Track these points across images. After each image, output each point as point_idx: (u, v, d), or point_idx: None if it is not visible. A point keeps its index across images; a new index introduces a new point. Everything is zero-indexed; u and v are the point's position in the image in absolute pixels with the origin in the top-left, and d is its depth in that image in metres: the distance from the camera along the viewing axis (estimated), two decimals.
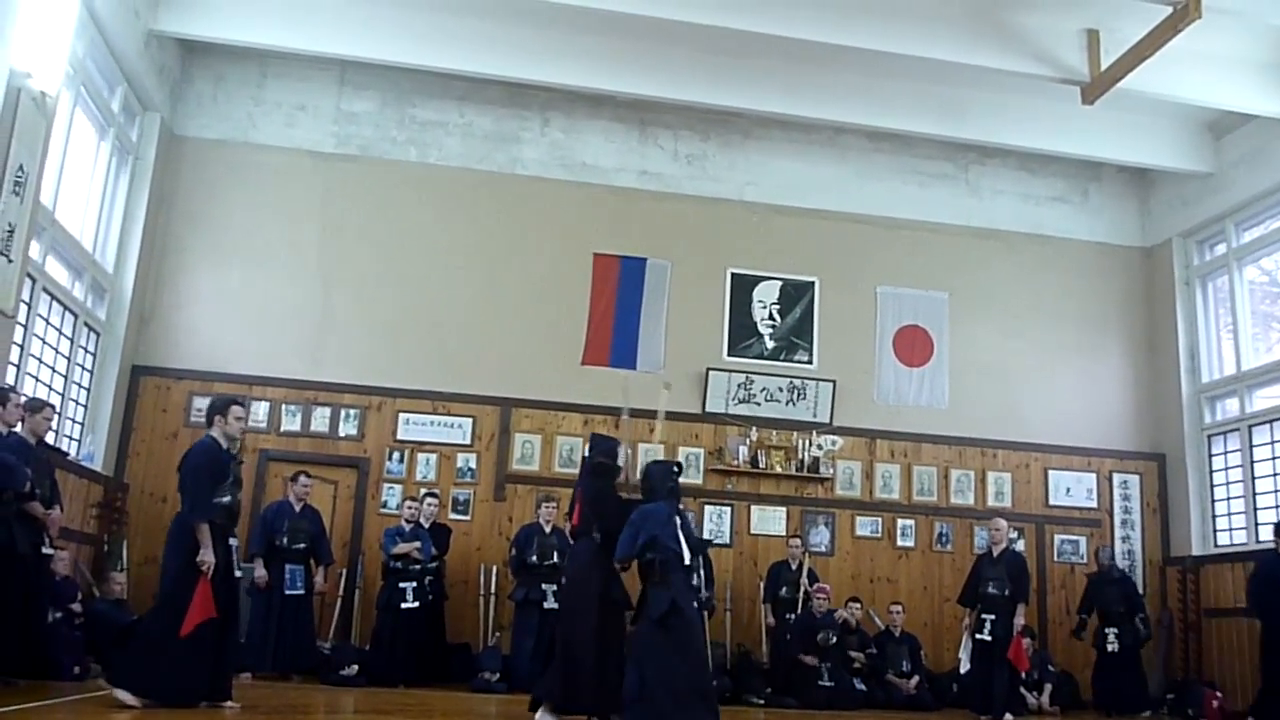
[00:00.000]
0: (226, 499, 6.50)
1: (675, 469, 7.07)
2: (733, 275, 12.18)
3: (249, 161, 11.53)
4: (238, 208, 11.41)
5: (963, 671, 9.74)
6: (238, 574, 6.82)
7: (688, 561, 6.55)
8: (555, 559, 9.82)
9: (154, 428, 10.81)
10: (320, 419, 11.14)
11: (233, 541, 6.61)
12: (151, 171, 10.93)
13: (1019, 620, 9.33)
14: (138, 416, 10.77)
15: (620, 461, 7.52)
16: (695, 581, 6.96)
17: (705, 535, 10.78)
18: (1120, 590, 10.74)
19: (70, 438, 9.92)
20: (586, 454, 7.62)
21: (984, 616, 9.47)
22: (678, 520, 6.68)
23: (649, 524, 6.62)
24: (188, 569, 6.24)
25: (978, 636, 9.46)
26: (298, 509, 9.77)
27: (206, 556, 6.23)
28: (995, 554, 9.71)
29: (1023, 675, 9.67)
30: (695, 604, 6.77)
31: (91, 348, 10.34)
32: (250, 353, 11.07)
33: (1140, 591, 11.34)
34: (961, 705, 10.63)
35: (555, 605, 9.64)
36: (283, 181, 11.56)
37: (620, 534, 6.71)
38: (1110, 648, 10.52)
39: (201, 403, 10.81)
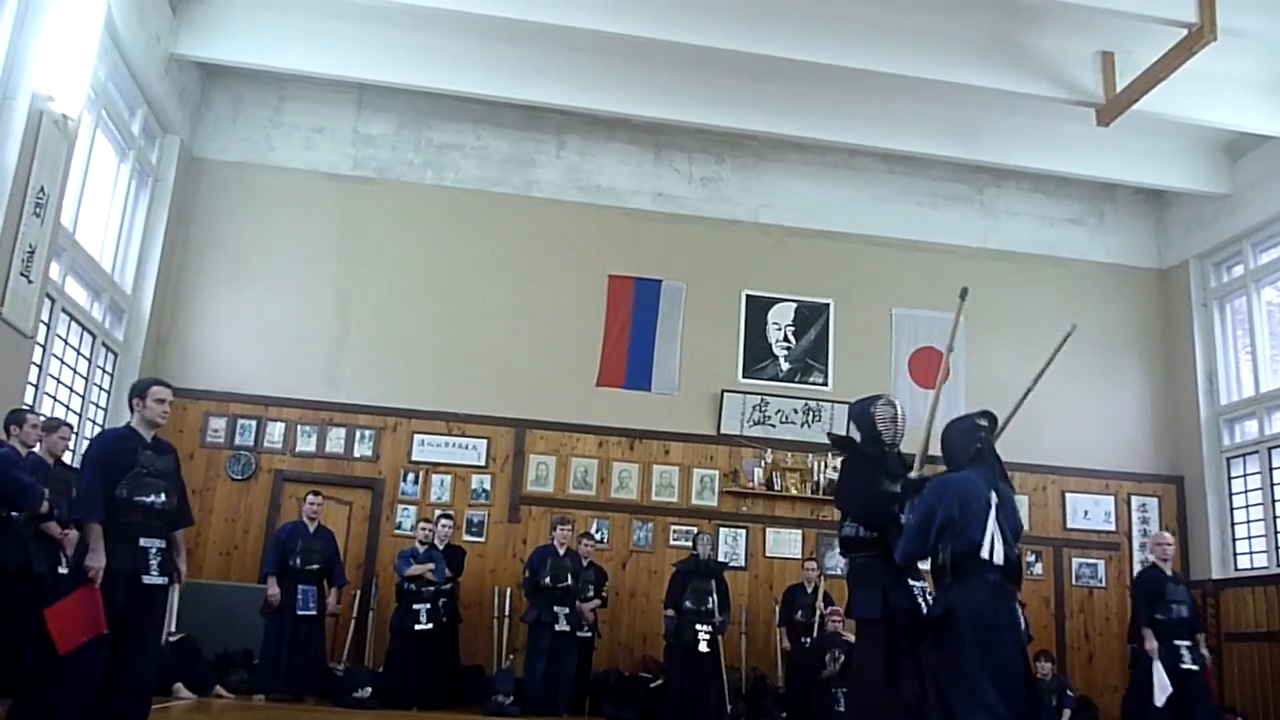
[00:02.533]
0: (148, 497, 5.61)
1: (983, 423, 5.09)
2: (747, 297, 12.18)
3: (267, 183, 11.62)
4: (255, 229, 11.48)
5: (1159, 704, 8.52)
6: (157, 580, 5.61)
7: (998, 559, 4.64)
8: (569, 581, 9.79)
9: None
10: (335, 440, 11.17)
11: (150, 543, 5.62)
12: (170, 193, 11.02)
13: (1203, 650, 8.57)
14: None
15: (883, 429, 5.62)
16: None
17: (720, 558, 10.73)
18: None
19: None
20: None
21: (1177, 643, 8.51)
22: (993, 497, 4.79)
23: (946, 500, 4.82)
24: (73, 575, 5.49)
25: (1183, 666, 8.43)
26: (311, 529, 9.76)
27: (94, 560, 5.32)
28: (1169, 571, 8.85)
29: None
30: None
31: (109, 368, 10.40)
32: (266, 373, 11.12)
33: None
34: None
35: (567, 628, 9.62)
36: (300, 203, 11.64)
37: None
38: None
39: (218, 423, 10.92)
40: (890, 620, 5.20)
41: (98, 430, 10.05)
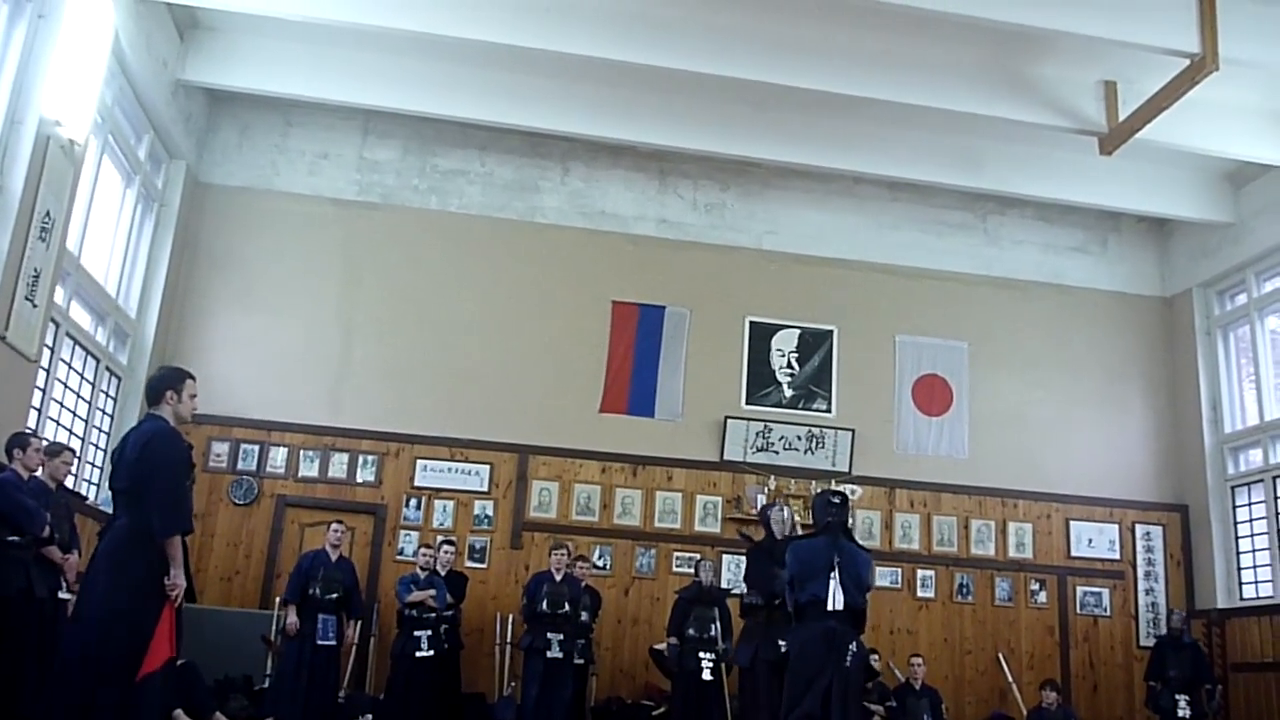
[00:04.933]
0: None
1: (835, 500, 6.13)
2: (751, 323, 12.18)
3: (272, 209, 11.66)
4: (260, 254, 11.51)
5: None
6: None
7: (838, 606, 5.69)
8: (566, 608, 9.73)
9: None
10: (338, 465, 11.15)
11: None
12: (176, 218, 11.06)
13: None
14: None
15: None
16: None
17: (723, 585, 10.67)
18: (1190, 656, 10.51)
19: (90, 482, 9.95)
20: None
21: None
22: (835, 557, 5.82)
23: (791, 561, 6.02)
24: (150, 594, 4.86)
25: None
26: (333, 558, 9.70)
27: (179, 579, 4.91)
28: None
29: None
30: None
31: (113, 392, 10.41)
32: (269, 398, 11.12)
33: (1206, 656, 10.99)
34: None
35: (560, 654, 9.55)
36: (305, 228, 11.67)
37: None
38: (1182, 713, 10.18)
39: (221, 448, 10.92)
40: (754, 667, 7.43)
41: (99, 453, 10.05)
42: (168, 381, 5.26)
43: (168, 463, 5.01)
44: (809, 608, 5.69)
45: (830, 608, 5.61)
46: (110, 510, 5.45)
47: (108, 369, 10.20)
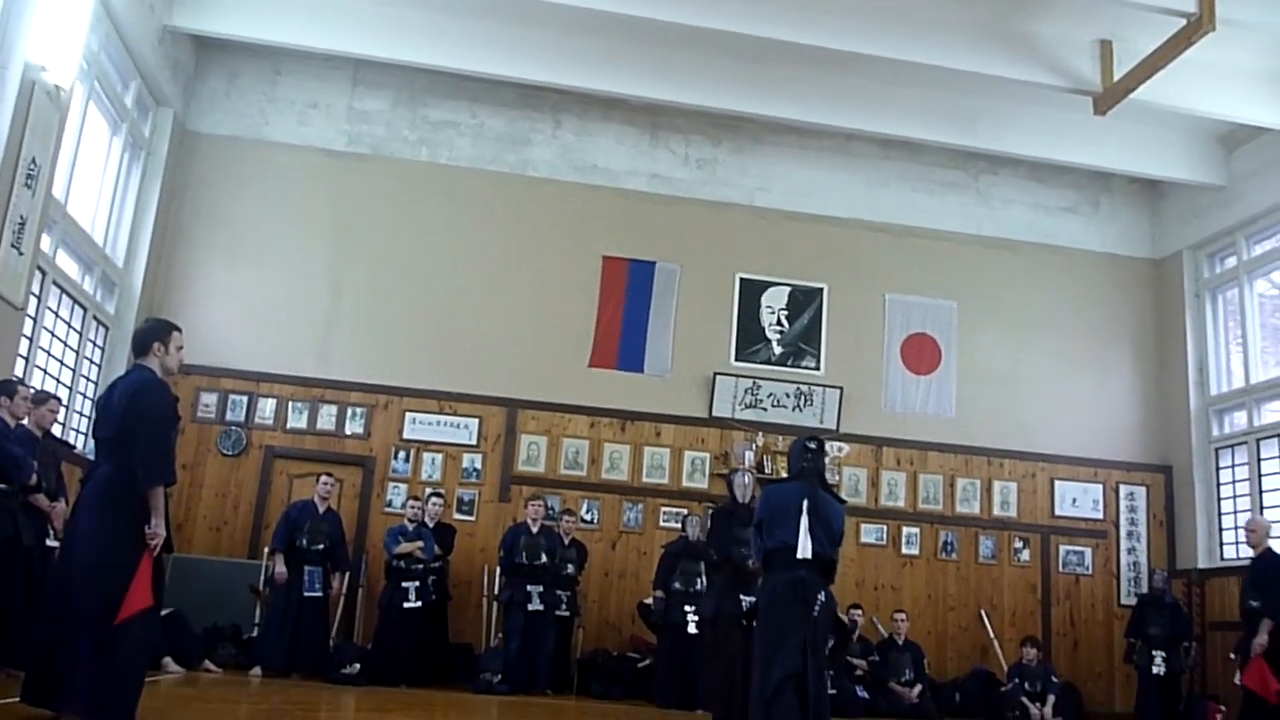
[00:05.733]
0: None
1: (811, 445, 5.99)
2: (741, 280, 12.17)
3: (261, 158, 11.57)
4: (249, 204, 11.44)
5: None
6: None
7: (806, 554, 5.59)
8: (542, 559, 9.79)
9: None
10: (327, 417, 11.16)
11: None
12: (164, 167, 10.97)
13: (1260, 638, 8.24)
14: None
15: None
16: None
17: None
18: (1170, 614, 10.65)
19: (78, 431, 9.94)
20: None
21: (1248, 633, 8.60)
22: (805, 504, 5.70)
23: (762, 506, 5.95)
24: (130, 542, 4.87)
25: (1231, 656, 8.63)
26: (321, 510, 9.77)
27: (160, 528, 4.96)
28: (1253, 557, 8.81)
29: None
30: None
31: (100, 341, 10.37)
32: (258, 349, 11.10)
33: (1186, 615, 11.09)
34: (966, 716, 10.65)
35: (541, 606, 9.65)
36: (294, 179, 11.59)
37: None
38: (1156, 670, 10.39)
39: (209, 398, 10.92)
40: (716, 620, 7.80)
41: (87, 401, 10.03)
42: (155, 333, 5.24)
43: (155, 414, 5.04)
44: (778, 554, 5.61)
45: (800, 555, 5.54)
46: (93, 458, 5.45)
47: (95, 318, 10.16)
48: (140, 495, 4.93)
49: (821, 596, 5.53)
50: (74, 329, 9.79)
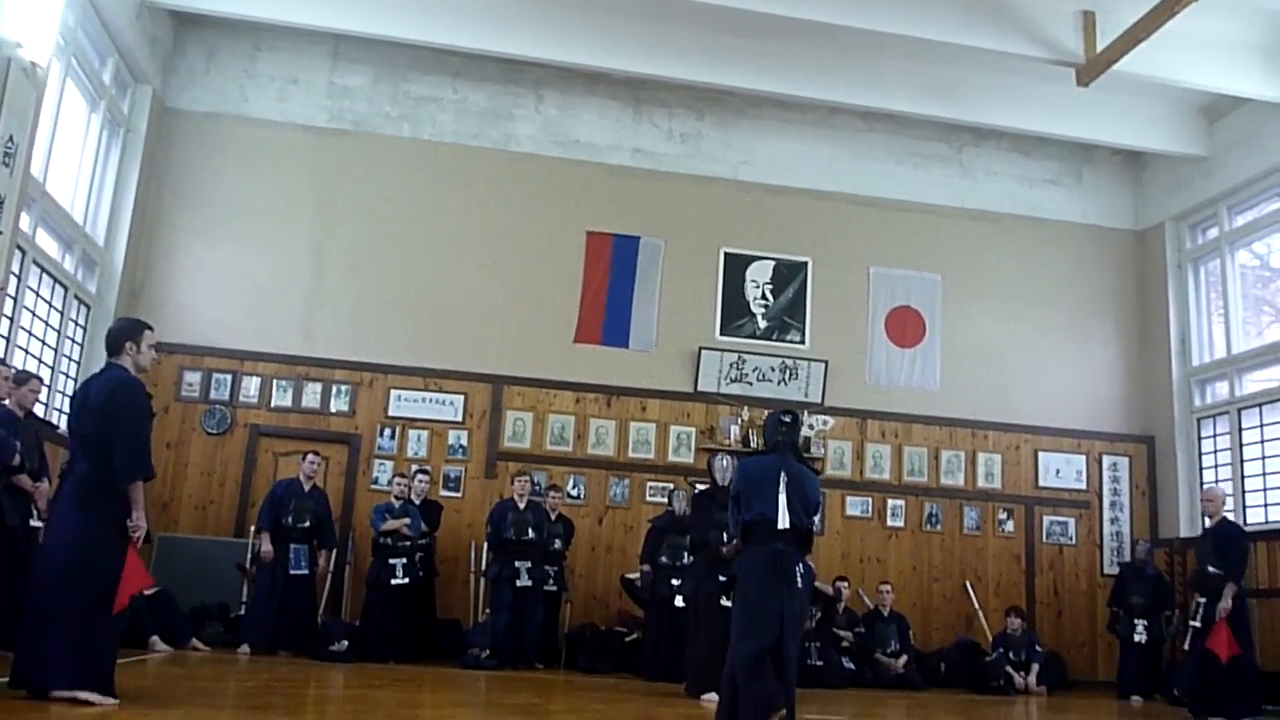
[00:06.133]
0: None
1: (786, 419, 5.99)
2: (726, 254, 12.17)
3: (241, 135, 11.48)
4: (230, 181, 11.36)
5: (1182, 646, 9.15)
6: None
7: (784, 525, 5.58)
8: (530, 535, 9.81)
9: None
10: (312, 395, 11.13)
11: None
12: (143, 144, 10.88)
13: (1224, 603, 8.37)
14: None
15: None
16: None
17: None
18: (1152, 584, 10.76)
19: (60, 410, 9.89)
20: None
21: (1199, 600, 8.73)
22: (782, 476, 5.69)
23: (738, 479, 5.93)
24: (114, 535, 5.11)
25: (1191, 623, 8.72)
26: (306, 488, 9.77)
27: (141, 521, 5.20)
28: (1209, 527, 8.97)
29: (1244, 667, 8.51)
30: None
31: (82, 321, 10.31)
32: (242, 327, 11.06)
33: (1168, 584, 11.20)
34: (951, 686, 10.75)
35: (529, 582, 9.67)
36: (275, 156, 11.52)
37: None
38: (1138, 638, 10.53)
39: (193, 377, 10.88)
40: (697, 597, 8.03)
41: (69, 381, 9.98)
42: (127, 333, 5.41)
43: (132, 412, 5.22)
44: (756, 527, 5.63)
45: (778, 526, 5.55)
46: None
47: (76, 297, 10.10)
48: (121, 491, 5.13)
49: (800, 568, 5.56)
50: (55, 308, 9.72)
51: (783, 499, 5.56)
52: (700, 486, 9.40)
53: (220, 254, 11.18)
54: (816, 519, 6.10)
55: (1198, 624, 8.66)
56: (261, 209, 11.37)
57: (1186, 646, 8.95)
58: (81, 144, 10.14)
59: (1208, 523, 9.12)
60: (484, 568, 10.53)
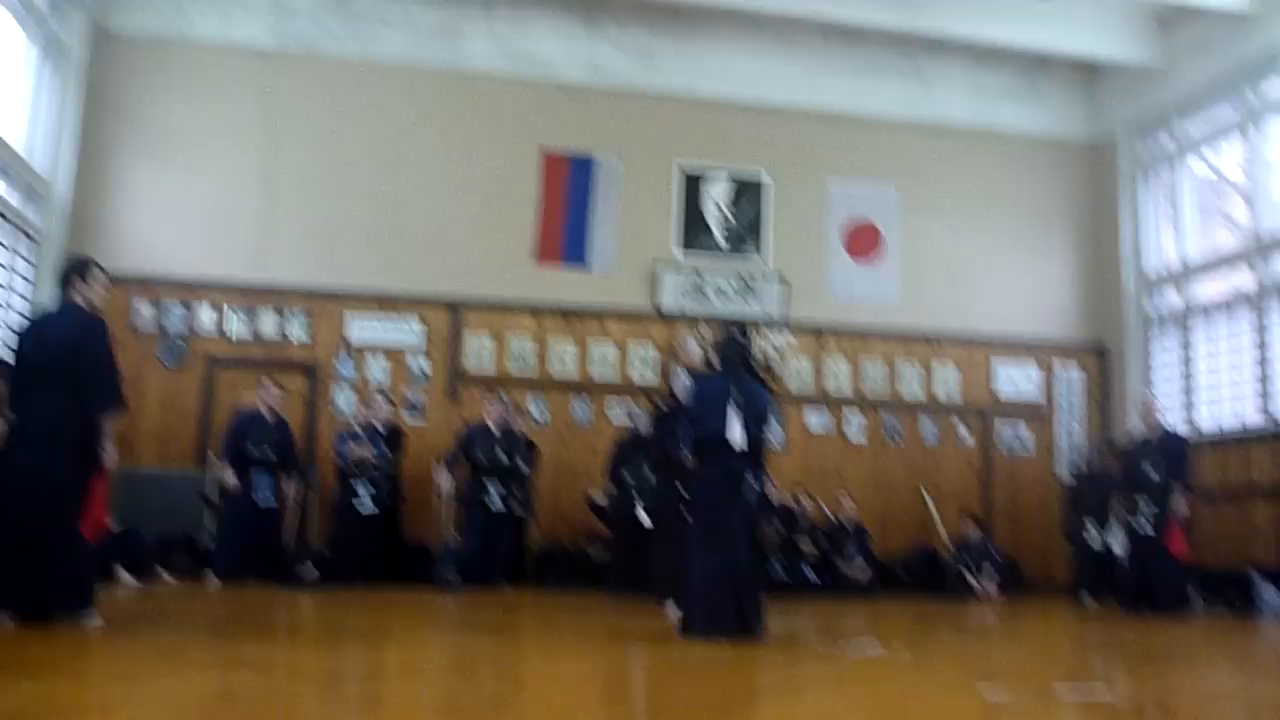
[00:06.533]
0: None
1: (739, 333, 6.10)
2: (683, 171, 12.09)
3: (185, 60, 11.18)
4: (176, 107, 11.09)
5: (1119, 554, 9.50)
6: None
7: (737, 442, 5.70)
8: (505, 459, 9.85)
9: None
10: (268, 323, 11.03)
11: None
12: (83, 71, 10.58)
13: (1179, 509, 8.90)
14: None
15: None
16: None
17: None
18: (1103, 489, 10.95)
19: (9, 347, 9.71)
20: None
21: (1141, 505, 9.11)
22: (733, 392, 5.78)
23: (691, 397, 6.02)
24: (85, 468, 5.36)
25: (1133, 525, 9.12)
26: (268, 418, 9.72)
27: (113, 451, 5.46)
28: (1151, 437, 9.33)
29: (1187, 568, 9.14)
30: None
31: (29, 255, 10.09)
32: (194, 256, 10.89)
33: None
34: (910, 592, 10.98)
35: (502, 506, 9.74)
36: (221, 80, 11.24)
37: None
38: (1092, 542, 10.66)
39: (146, 309, 10.70)
40: (660, 511, 7.85)
41: (16, 316, 9.80)
42: (78, 270, 5.56)
43: (105, 347, 5.40)
44: (709, 444, 5.74)
45: (730, 443, 5.67)
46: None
47: (23, 231, 9.87)
48: (93, 421, 5.34)
49: (753, 482, 5.72)
50: (1, 244, 9.50)
51: (734, 417, 5.68)
52: (667, 403, 9.45)
53: (169, 182, 10.95)
54: (774, 435, 6.19)
55: (1147, 528, 8.99)
56: (209, 134, 11.13)
57: (1123, 549, 9.38)
58: (19, 73, 9.82)
59: (1144, 431, 9.43)
60: (444, 490, 10.61)
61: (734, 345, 5.99)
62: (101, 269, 5.69)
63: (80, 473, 5.34)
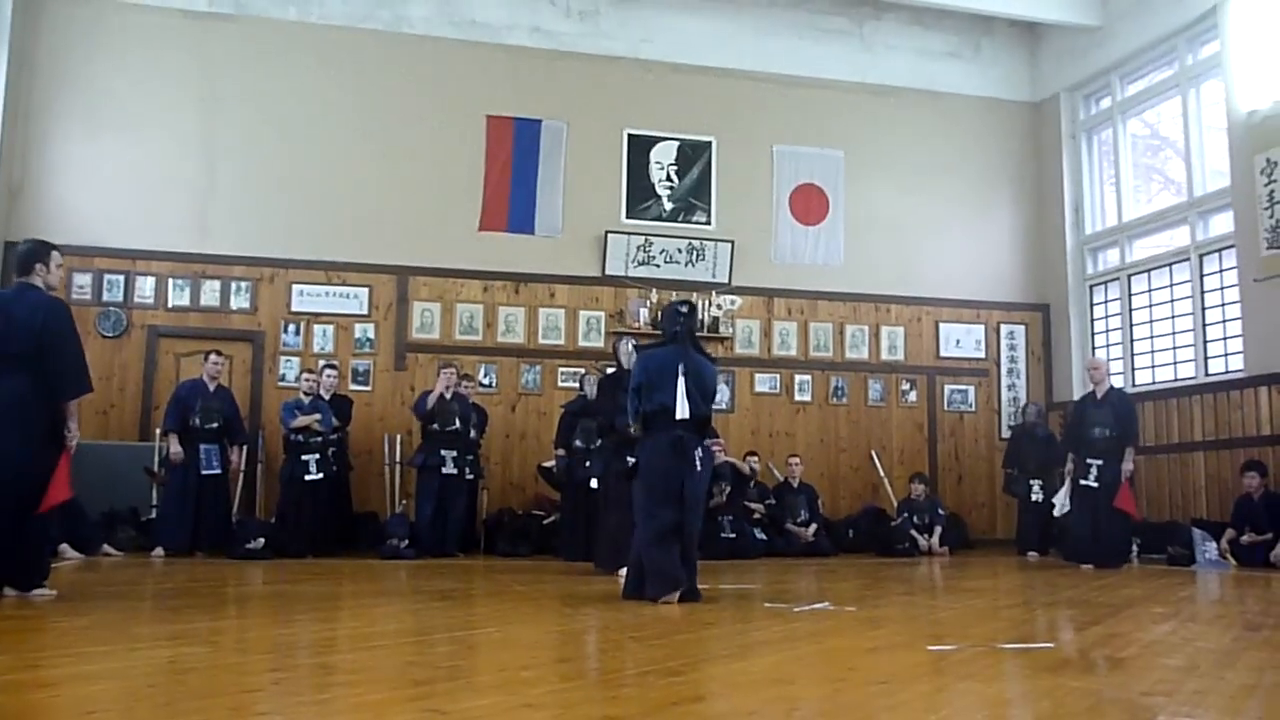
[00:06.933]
0: None
1: (684, 310, 6.20)
2: (629, 136, 12.04)
3: (115, 22, 10.89)
4: (108, 71, 10.81)
5: (1057, 514, 9.77)
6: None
7: (683, 415, 5.85)
8: (457, 425, 9.84)
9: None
10: (210, 293, 10.85)
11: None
12: (8, 32, 10.24)
13: (1127, 465, 9.24)
14: None
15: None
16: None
17: None
18: (1044, 445, 11.15)
19: None
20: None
21: (1089, 461, 9.40)
22: (681, 367, 5.92)
23: (638, 370, 6.15)
24: (48, 445, 5.49)
25: (1082, 482, 9.40)
26: (211, 388, 9.60)
27: (76, 430, 5.65)
28: (1099, 395, 9.61)
29: (1133, 523, 9.52)
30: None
31: None
32: (131, 225, 10.67)
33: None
34: (859, 551, 11.13)
35: (455, 471, 9.74)
36: (154, 42, 10.97)
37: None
38: (1035, 498, 10.95)
39: (83, 279, 10.51)
40: (606, 478, 8.04)
41: None
42: (35, 254, 5.68)
43: (70, 330, 5.57)
44: (656, 416, 5.89)
45: (677, 416, 5.82)
46: None
47: None
48: (57, 403, 5.52)
49: (699, 452, 5.85)
50: None
51: (681, 390, 5.83)
52: (610, 370, 9.48)
53: (103, 148, 10.70)
54: (718, 401, 6.33)
55: (1093, 484, 9.22)
56: (144, 100, 10.87)
57: (1062, 506, 9.64)
58: None
59: (1094, 390, 9.63)
60: (398, 459, 10.56)
61: (678, 318, 6.07)
62: (57, 249, 5.81)
63: (46, 454, 5.46)
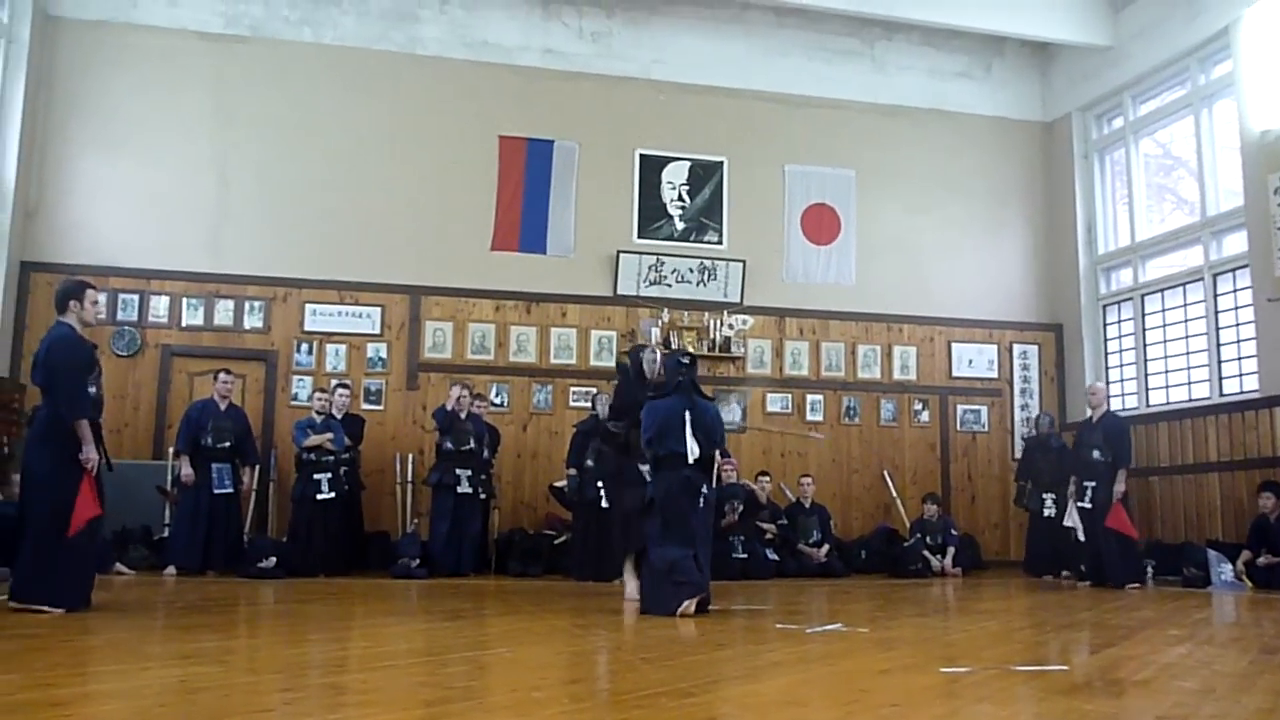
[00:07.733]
0: (94, 390, 6.15)
1: (685, 361, 6.83)
2: (641, 156, 12.07)
3: (132, 44, 10.98)
4: (123, 93, 10.90)
5: (1079, 539, 9.78)
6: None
7: (693, 458, 6.48)
8: (472, 444, 9.86)
9: (48, 325, 10.33)
10: (224, 312, 10.90)
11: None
12: (27, 55, 10.34)
13: (1119, 487, 9.43)
14: (30, 314, 10.39)
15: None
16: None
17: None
18: (1057, 457, 11.06)
19: None
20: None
21: (1085, 484, 9.65)
22: (687, 415, 6.54)
23: (649, 421, 6.73)
24: (68, 467, 5.88)
25: (1079, 505, 9.65)
26: (222, 407, 9.63)
27: (91, 454, 5.97)
28: (1095, 419, 9.86)
29: (1134, 542, 9.68)
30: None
31: None
32: (146, 245, 10.73)
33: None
34: (871, 571, 11.10)
35: (469, 490, 9.76)
36: (169, 65, 11.06)
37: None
38: (1047, 512, 10.80)
39: (98, 299, 10.48)
40: (618, 476, 8.02)
41: None
42: (70, 293, 6.17)
43: (66, 364, 5.96)
44: (668, 459, 6.50)
45: (689, 460, 6.45)
46: None
47: None
48: (71, 429, 5.92)
49: (704, 490, 6.51)
50: None
51: (689, 436, 6.46)
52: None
53: (119, 170, 10.77)
54: (732, 421, 6.82)
55: (1088, 505, 9.47)
56: (159, 121, 10.95)
57: (1069, 523, 9.81)
58: None
59: (1091, 414, 9.75)
60: (409, 478, 10.57)
61: (680, 369, 6.71)
62: (94, 288, 6.33)
63: (68, 473, 5.88)
